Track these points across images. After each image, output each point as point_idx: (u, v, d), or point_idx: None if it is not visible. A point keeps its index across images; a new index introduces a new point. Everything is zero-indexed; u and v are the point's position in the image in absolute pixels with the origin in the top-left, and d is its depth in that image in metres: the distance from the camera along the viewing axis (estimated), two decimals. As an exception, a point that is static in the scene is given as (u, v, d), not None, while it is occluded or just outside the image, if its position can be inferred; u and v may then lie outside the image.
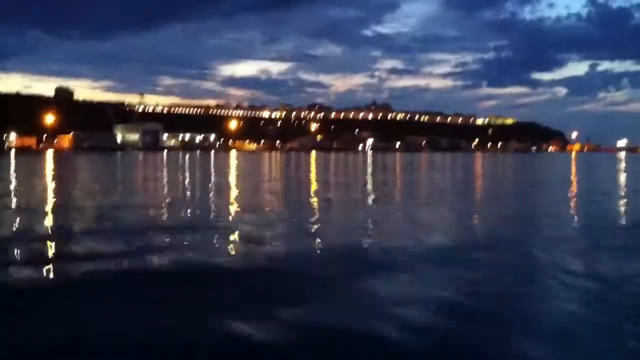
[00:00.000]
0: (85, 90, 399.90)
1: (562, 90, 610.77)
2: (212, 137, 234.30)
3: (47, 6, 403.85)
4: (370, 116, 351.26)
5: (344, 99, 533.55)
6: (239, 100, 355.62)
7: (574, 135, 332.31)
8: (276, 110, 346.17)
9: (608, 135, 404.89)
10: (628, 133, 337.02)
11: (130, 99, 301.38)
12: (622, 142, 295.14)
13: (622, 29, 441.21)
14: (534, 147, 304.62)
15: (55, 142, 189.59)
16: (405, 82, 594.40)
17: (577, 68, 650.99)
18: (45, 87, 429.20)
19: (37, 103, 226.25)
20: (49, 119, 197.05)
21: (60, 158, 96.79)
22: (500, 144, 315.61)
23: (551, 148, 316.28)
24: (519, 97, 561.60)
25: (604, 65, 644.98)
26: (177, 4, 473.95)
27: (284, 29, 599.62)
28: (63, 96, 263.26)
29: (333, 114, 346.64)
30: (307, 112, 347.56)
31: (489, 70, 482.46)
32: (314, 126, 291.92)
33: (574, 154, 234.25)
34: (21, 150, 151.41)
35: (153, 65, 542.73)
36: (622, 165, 75.47)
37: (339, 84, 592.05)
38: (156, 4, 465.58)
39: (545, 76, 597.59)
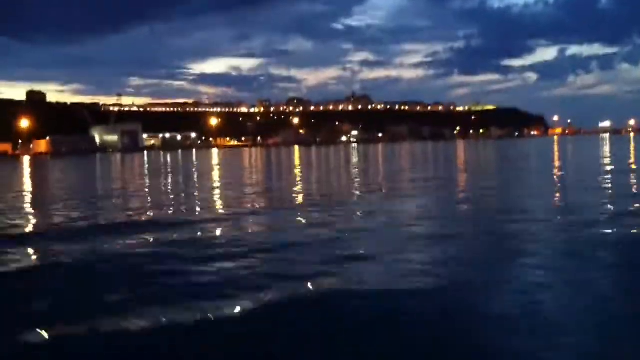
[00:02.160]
0: (55, 94, 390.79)
1: (532, 76, 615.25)
2: (193, 135, 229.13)
3: (13, 12, 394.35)
4: (349, 108, 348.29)
5: (317, 92, 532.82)
6: (210, 98, 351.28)
7: (555, 119, 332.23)
8: (254, 106, 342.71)
9: (585, 118, 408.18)
10: (603, 115, 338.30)
11: (103, 100, 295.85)
12: (604, 124, 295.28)
13: (588, 13, 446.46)
14: (516, 133, 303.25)
15: (31, 146, 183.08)
16: (378, 73, 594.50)
17: (547, 53, 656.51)
18: (14, 92, 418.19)
19: (9, 108, 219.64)
20: (24, 123, 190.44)
21: (40, 163, 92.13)
22: (481, 130, 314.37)
23: (534, 133, 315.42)
24: (491, 84, 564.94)
25: (573, 50, 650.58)
26: (144, 5, 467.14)
27: (253, 26, 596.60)
28: (35, 100, 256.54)
29: (312, 108, 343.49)
30: (285, 106, 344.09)
31: (460, 59, 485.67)
32: (295, 120, 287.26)
33: (556, 137, 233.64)
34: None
35: (122, 67, 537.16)
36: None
37: (311, 78, 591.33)
38: (123, 6, 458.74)
39: (516, 62, 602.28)
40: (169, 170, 51.81)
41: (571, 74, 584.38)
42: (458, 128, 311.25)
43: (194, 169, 52.50)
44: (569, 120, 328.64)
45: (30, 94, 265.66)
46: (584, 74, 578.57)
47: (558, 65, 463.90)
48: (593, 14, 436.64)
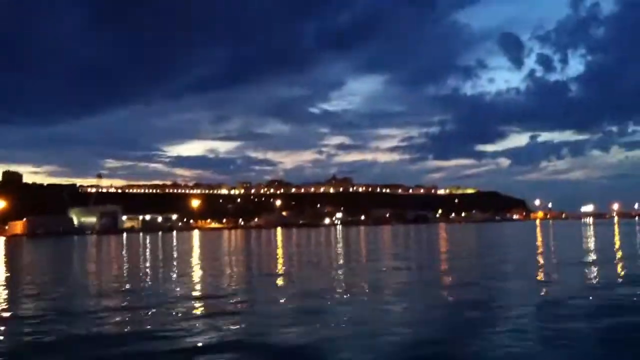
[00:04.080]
0: (29, 175, 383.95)
1: (505, 161, 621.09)
2: (174, 217, 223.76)
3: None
4: (331, 190, 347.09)
5: (293, 175, 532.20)
6: (187, 181, 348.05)
7: (537, 203, 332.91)
8: (233, 187, 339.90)
9: (562, 202, 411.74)
10: (581, 199, 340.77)
11: (79, 182, 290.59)
12: (586, 208, 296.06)
13: (559, 101, 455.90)
14: (498, 217, 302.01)
15: (6, 228, 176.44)
16: (354, 157, 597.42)
17: (519, 139, 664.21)
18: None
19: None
20: (0, 204, 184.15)
21: (14, 245, 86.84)
22: (463, 214, 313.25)
23: (516, 216, 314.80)
24: (465, 169, 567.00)
25: (544, 136, 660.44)
26: (120, 87, 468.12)
27: (230, 108, 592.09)
28: (11, 180, 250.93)
29: (293, 190, 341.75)
30: (266, 188, 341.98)
31: (434, 144, 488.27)
32: (278, 202, 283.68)
33: (538, 221, 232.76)
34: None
35: (98, 149, 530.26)
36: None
37: (288, 160, 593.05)
38: (101, 87, 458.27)
39: (489, 148, 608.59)
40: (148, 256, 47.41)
41: (543, 159, 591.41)
42: (440, 211, 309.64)
43: (176, 257, 47.93)
44: (549, 204, 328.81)
45: (6, 174, 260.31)
46: (556, 160, 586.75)
47: (530, 151, 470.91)
48: (563, 102, 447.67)
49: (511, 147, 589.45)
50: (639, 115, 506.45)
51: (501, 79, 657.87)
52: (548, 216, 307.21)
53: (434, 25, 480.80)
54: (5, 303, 18.97)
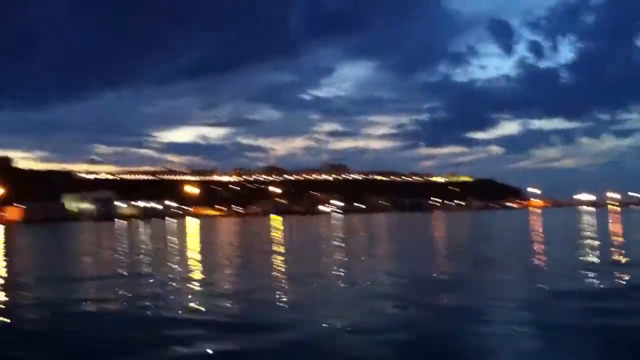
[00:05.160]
0: (19, 160, 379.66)
1: (496, 149, 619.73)
2: (171, 203, 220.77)
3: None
4: (329, 177, 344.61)
5: (285, 161, 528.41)
6: (177, 167, 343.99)
7: (535, 191, 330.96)
8: (226, 174, 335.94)
9: (556, 190, 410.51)
10: (574, 187, 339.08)
11: (69, 167, 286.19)
12: (583, 196, 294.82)
13: (550, 89, 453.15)
14: (495, 205, 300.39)
15: (3, 214, 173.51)
16: (345, 144, 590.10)
17: (510, 127, 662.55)
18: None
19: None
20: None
21: (18, 232, 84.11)
22: (460, 201, 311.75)
23: (513, 205, 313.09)
24: (457, 156, 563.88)
25: (535, 124, 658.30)
26: (110, 72, 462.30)
27: (220, 95, 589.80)
28: (2, 165, 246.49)
29: (288, 176, 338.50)
30: (261, 175, 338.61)
31: (426, 131, 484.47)
32: (275, 189, 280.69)
33: (535, 209, 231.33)
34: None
35: (88, 134, 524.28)
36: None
37: (279, 147, 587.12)
38: (89, 73, 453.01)
39: (480, 135, 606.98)
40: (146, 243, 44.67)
41: (534, 147, 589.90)
42: (437, 199, 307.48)
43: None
44: (544, 193, 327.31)
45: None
46: (546, 147, 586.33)
47: (521, 139, 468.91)
48: (554, 89, 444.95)
49: (502, 134, 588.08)
50: (629, 103, 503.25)
51: (492, 65, 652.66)
52: (545, 204, 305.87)
53: (424, 11, 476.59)
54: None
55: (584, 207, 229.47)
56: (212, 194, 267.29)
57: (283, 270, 23.59)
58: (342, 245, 38.81)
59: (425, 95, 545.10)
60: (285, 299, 16.00)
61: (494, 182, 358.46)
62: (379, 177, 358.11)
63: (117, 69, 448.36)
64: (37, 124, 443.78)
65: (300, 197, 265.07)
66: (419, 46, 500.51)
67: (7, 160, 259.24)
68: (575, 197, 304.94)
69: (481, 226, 69.79)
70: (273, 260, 27.82)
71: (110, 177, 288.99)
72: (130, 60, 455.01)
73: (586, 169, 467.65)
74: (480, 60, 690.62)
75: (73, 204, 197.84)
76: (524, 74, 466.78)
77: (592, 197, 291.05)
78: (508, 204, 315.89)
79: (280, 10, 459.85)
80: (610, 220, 73.44)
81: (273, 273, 22.24)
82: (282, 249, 35.30)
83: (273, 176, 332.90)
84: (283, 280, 20.27)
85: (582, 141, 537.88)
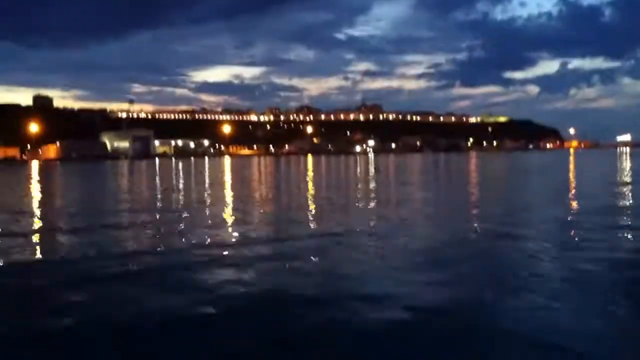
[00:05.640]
0: (56, 100, 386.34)
1: (534, 89, 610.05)
2: (206, 142, 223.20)
3: (16, 16, 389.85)
4: (360, 117, 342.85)
5: (318, 102, 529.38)
6: (212, 106, 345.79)
7: (572, 131, 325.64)
8: (262, 113, 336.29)
9: (595, 130, 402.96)
10: (614, 128, 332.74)
11: (106, 106, 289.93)
12: (623, 137, 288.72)
13: (592, 27, 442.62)
14: (531, 145, 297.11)
15: (39, 152, 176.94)
16: (379, 84, 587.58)
17: (549, 66, 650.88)
18: (17, 97, 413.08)
19: (15, 112, 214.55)
20: (33, 127, 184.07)
21: (52, 169, 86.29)
22: (495, 142, 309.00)
23: (549, 145, 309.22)
24: (492, 96, 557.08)
25: (575, 63, 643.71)
26: (146, 11, 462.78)
27: (255, 34, 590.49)
28: (42, 104, 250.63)
29: (322, 116, 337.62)
30: (295, 115, 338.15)
31: (462, 70, 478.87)
32: (309, 129, 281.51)
33: (572, 150, 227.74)
34: (5, 161, 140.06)
35: (124, 73, 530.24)
36: None
37: (313, 87, 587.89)
38: (125, 12, 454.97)
39: (518, 75, 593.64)
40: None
41: (573, 87, 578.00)
42: (472, 140, 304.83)
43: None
44: (574, 132, 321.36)
45: (37, 98, 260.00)
46: (586, 87, 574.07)
47: (559, 79, 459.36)
48: (596, 28, 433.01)
49: (540, 74, 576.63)
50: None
51: (533, 2, 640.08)
52: (582, 145, 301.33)
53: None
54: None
55: (624, 149, 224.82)
56: (247, 134, 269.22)
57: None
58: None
59: (463, 34, 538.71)
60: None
61: (531, 123, 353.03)
62: (413, 117, 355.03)
63: (151, 7, 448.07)
64: (75, 63, 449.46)
65: (334, 137, 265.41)
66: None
67: (47, 100, 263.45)
68: (618, 138, 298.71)
69: (527, 168, 69.39)
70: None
71: (148, 116, 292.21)
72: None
73: (627, 110, 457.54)
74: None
75: (112, 142, 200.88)
76: (566, 11, 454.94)
77: (630, 138, 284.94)
78: (547, 145, 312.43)
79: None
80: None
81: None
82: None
83: (306, 117, 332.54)
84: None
85: (624, 81, 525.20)
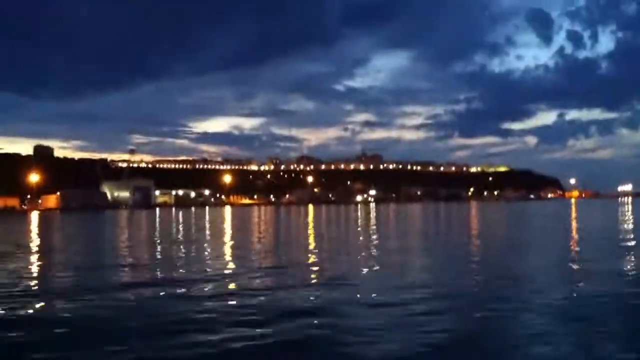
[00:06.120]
0: (58, 150, 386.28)
1: (532, 139, 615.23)
2: (206, 192, 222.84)
3: (17, 67, 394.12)
4: (361, 167, 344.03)
5: (318, 152, 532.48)
6: (212, 157, 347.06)
7: (572, 181, 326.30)
8: (263, 163, 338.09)
9: (593, 181, 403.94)
10: (615, 178, 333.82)
11: (108, 156, 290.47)
12: (624, 187, 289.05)
13: (588, 79, 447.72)
14: (532, 195, 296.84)
15: (39, 201, 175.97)
16: (379, 134, 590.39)
17: (546, 117, 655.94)
18: (17, 147, 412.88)
19: (16, 162, 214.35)
20: (33, 177, 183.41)
21: (53, 219, 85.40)
22: (495, 192, 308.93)
23: (550, 195, 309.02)
24: (491, 147, 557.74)
25: (572, 114, 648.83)
26: (147, 63, 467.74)
27: (255, 85, 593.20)
28: (43, 154, 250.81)
29: (323, 166, 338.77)
30: (296, 164, 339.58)
31: (460, 121, 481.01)
32: (309, 179, 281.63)
33: (573, 200, 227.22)
34: (4, 212, 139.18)
35: (125, 124, 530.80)
36: None
37: (313, 137, 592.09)
38: (127, 63, 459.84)
39: (516, 126, 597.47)
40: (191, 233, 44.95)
41: (571, 137, 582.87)
42: (472, 189, 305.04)
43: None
44: (575, 182, 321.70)
45: (37, 148, 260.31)
46: (583, 138, 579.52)
47: (557, 129, 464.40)
48: (593, 80, 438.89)
49: (538, 125, 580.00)
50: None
51: (530, 55, 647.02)
52: (583, 195, 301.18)
53: (461, 0, 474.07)
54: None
55: (625, 199, 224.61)
56: (248, 183, 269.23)
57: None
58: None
59: (461, 85, 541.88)
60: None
61: (531, 173, 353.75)
62: (413, 167, 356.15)
63: (152, 59, 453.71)
64: (76, 114, 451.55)
65: (334, 187, 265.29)
66: (455, 36, 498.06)
67: (48, 150, 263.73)
68: (619, 188, 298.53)
69: (529, 217, 68.74)
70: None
71: (149, 165, 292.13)
72: (166, 52, 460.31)
73: (625, 160, 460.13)
74: (517, 51, 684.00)
75: (113, 192, 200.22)
76: (563, 64, 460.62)
77: (630, 188, 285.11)
78: (548, 194, 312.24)
79: (315, 1, 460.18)
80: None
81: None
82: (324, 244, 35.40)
83: (307, 166, 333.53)
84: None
85: (621, 132, 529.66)
